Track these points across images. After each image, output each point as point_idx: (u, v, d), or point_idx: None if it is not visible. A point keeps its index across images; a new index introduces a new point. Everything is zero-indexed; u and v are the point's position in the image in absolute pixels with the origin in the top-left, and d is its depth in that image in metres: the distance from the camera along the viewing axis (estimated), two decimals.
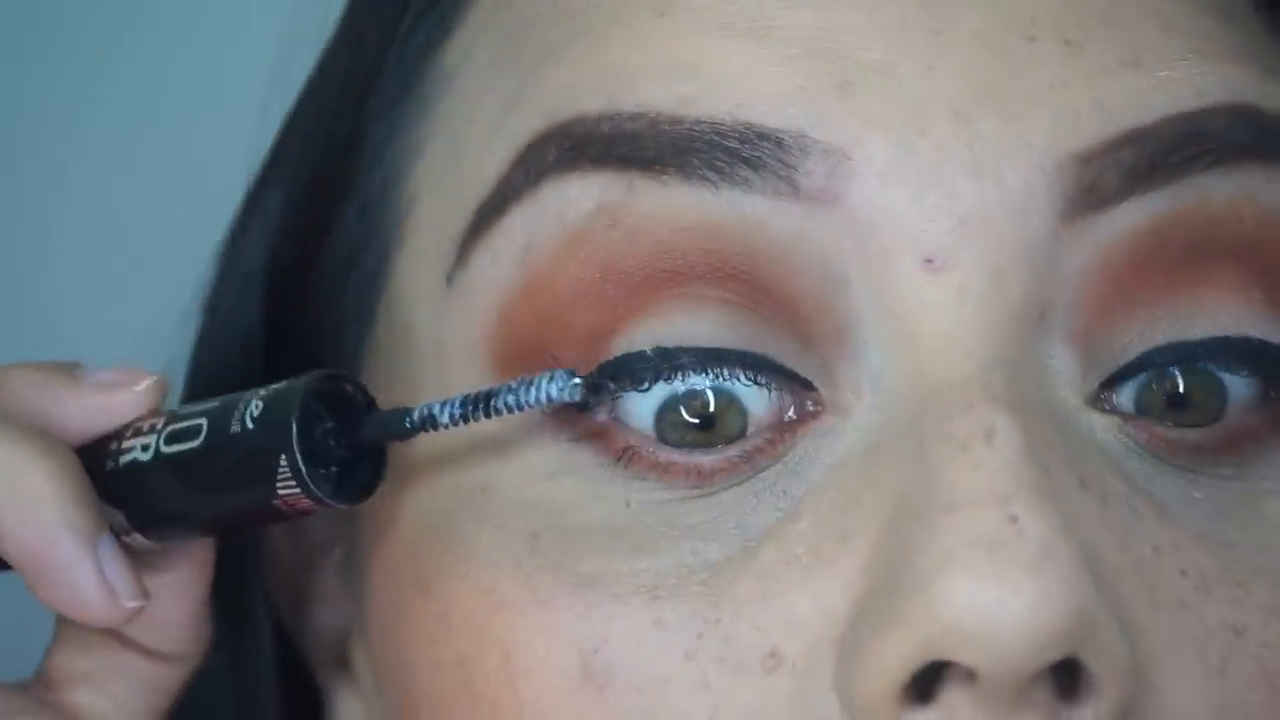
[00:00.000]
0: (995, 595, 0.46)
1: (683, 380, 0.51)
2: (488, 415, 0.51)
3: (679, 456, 0.51)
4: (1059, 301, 0.51)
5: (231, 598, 0.60)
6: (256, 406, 0.51)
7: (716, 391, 0.51)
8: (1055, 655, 0.47)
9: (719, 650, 0.49)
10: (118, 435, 0.53)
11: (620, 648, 0.50)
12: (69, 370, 0.53)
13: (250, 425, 0.51)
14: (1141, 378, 0.52)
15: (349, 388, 0.52)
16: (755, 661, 0.49)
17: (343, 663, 0.61)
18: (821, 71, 0.51)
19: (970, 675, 0.47)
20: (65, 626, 0.55)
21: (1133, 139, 0.51)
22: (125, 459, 0.52)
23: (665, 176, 0.51)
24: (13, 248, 0.86)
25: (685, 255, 0.51)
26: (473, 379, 0.53)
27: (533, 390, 0.50)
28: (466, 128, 0.55)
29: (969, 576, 0.46)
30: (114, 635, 0.54)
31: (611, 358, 0.52)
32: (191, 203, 0.66)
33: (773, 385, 0.51)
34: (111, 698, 0.54)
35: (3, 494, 0.50)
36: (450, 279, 0.54)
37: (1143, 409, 0.52)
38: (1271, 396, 0.53)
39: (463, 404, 0.51)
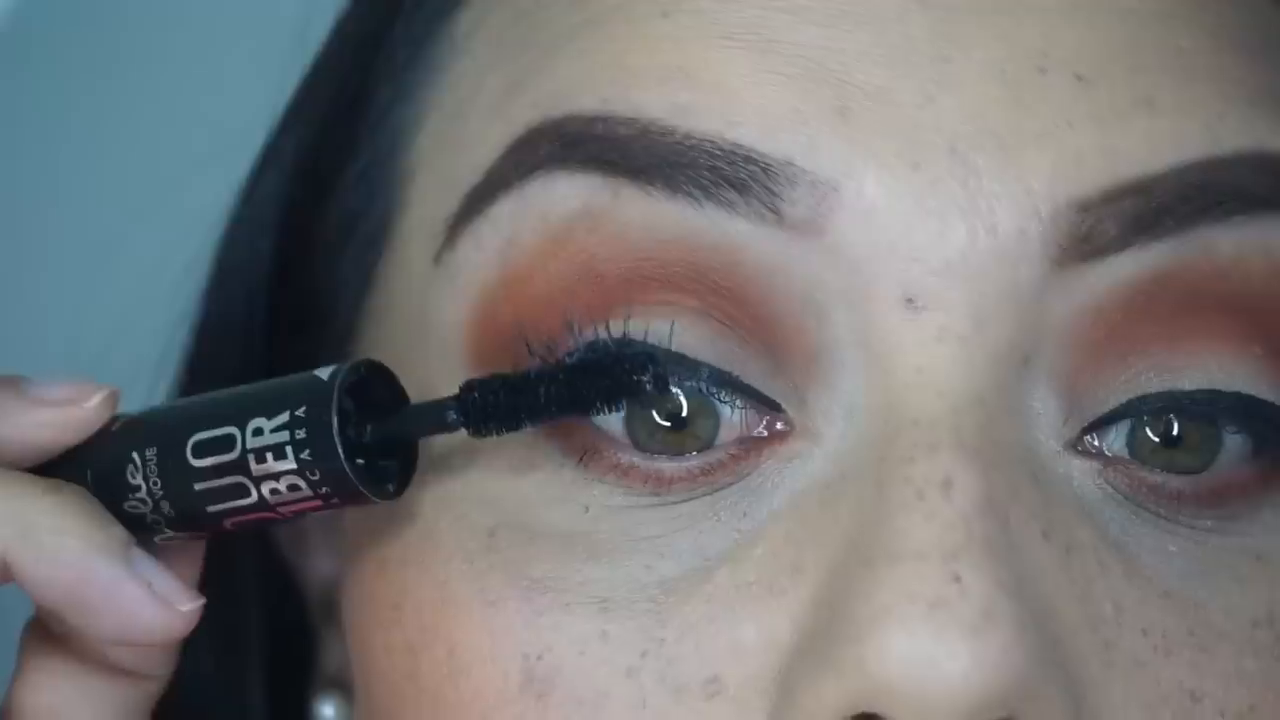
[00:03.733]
0: (928, 656, 0.46)
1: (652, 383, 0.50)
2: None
3: (640, 460, 0.51)
4: (1046, 345, 0.50)
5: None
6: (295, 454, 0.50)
7: (689, 393, 0.51)
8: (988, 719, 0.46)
9: (661, 670, 0.49)
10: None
11: (564, 657, 0.49)
12: (15, 385, 0.51)
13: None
14: (1131, 420, 0.51)
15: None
16: (696, 686, 0.49)
17: (330, 608, 0.61)
18: (818, 95, 0.50)
19: None
20: (27, 659, 0.52)
21: (1138, 189, 0.50)
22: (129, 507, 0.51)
23: (651, 188, 0.50)
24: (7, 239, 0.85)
25: (667, 265, 0.50)
26: (449, 360, 0.53)
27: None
28: (467, 105, 0.55)
29: (904, 634, 0.46)
30: (84, 661, 0.51)
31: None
32: (183, 198, 0.66)
33: (740, 403, 0.51)
34: None
35: (21, 542, 0.49)
36: (438, 259, 0.54)
37: (1135, 450, 0.51)
38: (1264, 452, 0.51)
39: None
